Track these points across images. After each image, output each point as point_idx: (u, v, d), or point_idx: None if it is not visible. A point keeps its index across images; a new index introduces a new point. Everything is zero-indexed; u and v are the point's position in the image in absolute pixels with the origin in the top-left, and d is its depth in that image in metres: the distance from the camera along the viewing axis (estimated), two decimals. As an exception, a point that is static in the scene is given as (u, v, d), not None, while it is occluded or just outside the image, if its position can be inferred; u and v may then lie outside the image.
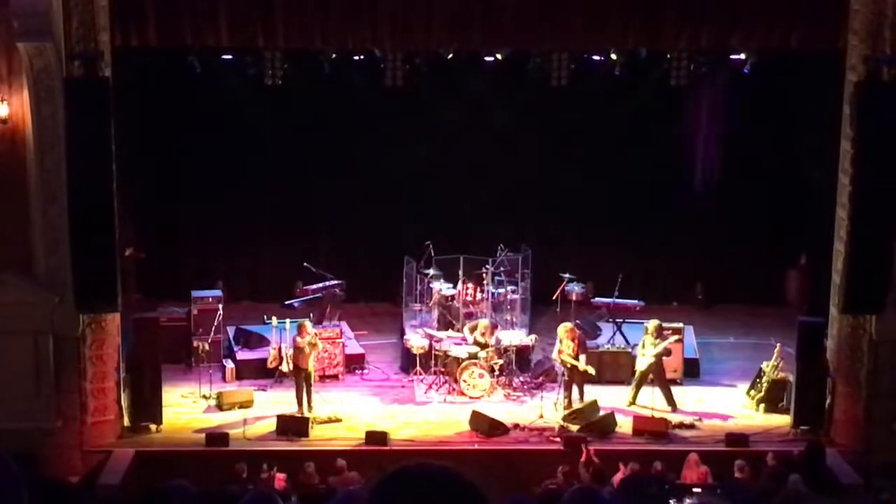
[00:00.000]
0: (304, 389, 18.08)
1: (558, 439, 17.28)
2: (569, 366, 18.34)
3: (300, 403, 18.10)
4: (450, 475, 3.00)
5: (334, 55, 19.54)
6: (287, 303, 21.26)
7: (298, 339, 18.17)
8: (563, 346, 18.35)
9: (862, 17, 16.63)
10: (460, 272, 20.30)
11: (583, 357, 18.37)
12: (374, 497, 2.97)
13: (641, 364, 18.50)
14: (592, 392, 18.75)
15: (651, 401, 18.25)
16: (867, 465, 16.80)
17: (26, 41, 16.00)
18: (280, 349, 19.25)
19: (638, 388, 18.53)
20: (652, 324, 18.64)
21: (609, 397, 18.71)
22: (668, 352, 18.65)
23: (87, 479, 16.17)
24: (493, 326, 19.42)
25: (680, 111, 22.08)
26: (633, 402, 18.52)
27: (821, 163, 19.16)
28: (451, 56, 19.60)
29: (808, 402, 17.66)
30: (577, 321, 19.76)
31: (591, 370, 18.41)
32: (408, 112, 21.93)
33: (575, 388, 18.47)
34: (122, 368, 17.56)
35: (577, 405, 18.25)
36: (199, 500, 5.78)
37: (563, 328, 18.55)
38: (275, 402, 18.66)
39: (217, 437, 17.12)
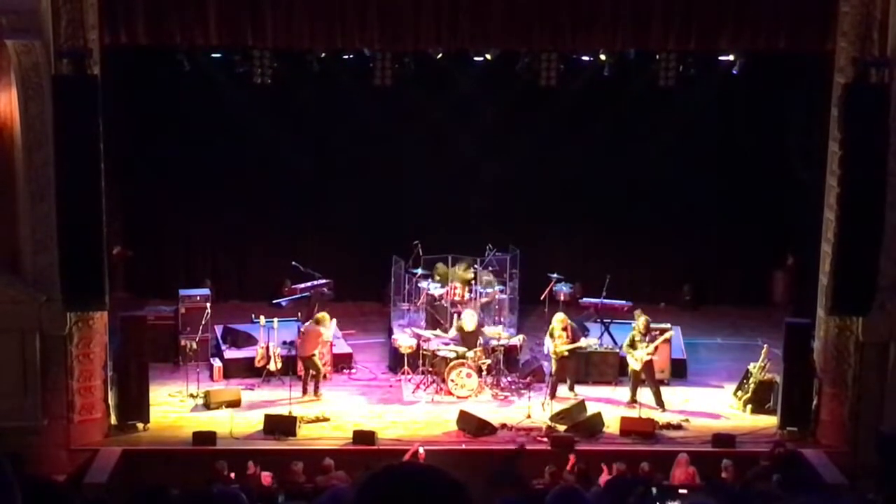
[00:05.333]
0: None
1: (546, 439, 17.30)
2: (566, 354, 18.55)
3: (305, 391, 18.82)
4: (435, 475, 3.01)
5: (323, 54, 19.53)
6: (275, 302, 21.25)
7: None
8: (557, 338, 18.61)
9: (850, 20, 16.66)
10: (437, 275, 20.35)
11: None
12: (359, 496, 2.98)
13: (634, 364, 18.54)
14: (579, 392, 18.86)
15: (639, 400, 18.30)
16: (853, 466, 16.85)
17: (14, 39, 15.97)
18: (268, 348, 19.26)
19: (635, 387, 18.62)
20: (641, 322, 18.71)
21: (597, 397, 18.77)
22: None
23: (73, 478, 16.14)
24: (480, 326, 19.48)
25: (669, 112, 22.09)
26: (633, 400, 18.58)
27: (808, 164, 19.22)
28: (440, 56, 19.61)
29: (795, 403, 17.71)
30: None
31: (588, 343, 19.07)
32: (396, 111, 21.95)
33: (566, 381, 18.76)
34: (110, 367, 17.53)
35: (565, 402, 18.37)
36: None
37: (558, 319, 18.79)
38: (262, 400, 18.65)
39: (204, 436, 17.10)
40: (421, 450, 16.23)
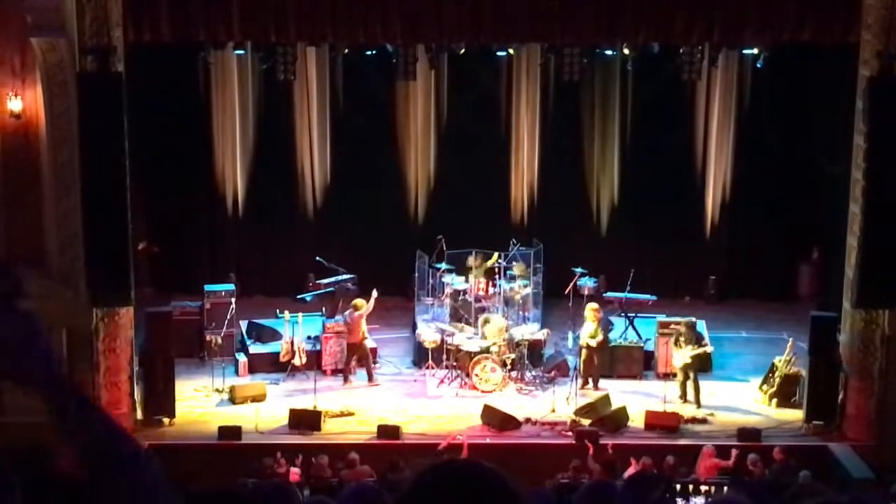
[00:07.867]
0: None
1: (570, 433, 17.29)
2: (594, 345, 18.62)
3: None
4: (498, 478, 2.86)
5: (346, 50, 19.55)
6: (299, 297, 21.27)
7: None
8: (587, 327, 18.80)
9: (875, 12, 16.59)
10: (473, 266, 20.33)
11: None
12: (417, 485, 2.86)
13: (678, 361, 18.53)
14: (604, 386, 18.84)
15: (664, 394, 18.27)
16: (879, 460, 16.77)
17: (40, 36, 16.07)
18: (292, 343, 19.31)
19: (683, 385, 18.60)
20: (685, 323, 18.72)
21: (621, 391, 18.74)
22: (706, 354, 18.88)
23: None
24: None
25: (692, 106, 22.05)
26: (683, 397, 18.58)
27: (834, 157, 19.14)
28: (462, 51, 19.62)
29: (821, 396, 17.64)
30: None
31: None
32: (419, 106, 21.97)
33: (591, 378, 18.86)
34: (136, 362, 17.61)
35: (590, 395, 18.36)
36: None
37: (590, 308, 18.91)
38: (287, 395, 18.71)
39: (229, 431, 17.16)
40: (460, 437, 16.34)
